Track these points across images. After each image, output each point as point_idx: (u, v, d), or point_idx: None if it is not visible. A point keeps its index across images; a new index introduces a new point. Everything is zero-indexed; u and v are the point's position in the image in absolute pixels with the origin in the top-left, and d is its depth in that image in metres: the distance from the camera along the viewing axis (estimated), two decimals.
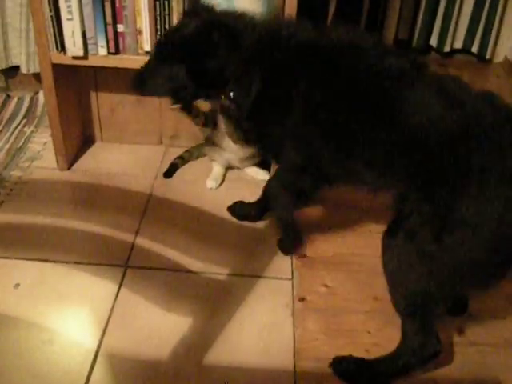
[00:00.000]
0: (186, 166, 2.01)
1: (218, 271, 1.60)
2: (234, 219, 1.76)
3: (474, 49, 2.99)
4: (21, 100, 2.37)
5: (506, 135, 1.14)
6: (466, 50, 3.02)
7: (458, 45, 3.00)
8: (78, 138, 2.09)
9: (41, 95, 2.37)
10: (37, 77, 2.37)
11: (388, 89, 1.24)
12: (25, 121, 2.24)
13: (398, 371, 1.32)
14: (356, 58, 1.29)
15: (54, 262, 1.60)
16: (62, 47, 1.70)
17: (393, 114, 1.23)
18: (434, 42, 2.99)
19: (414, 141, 1.20)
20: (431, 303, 1.27)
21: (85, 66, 1.83)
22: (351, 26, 1.38)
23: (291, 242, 1.69)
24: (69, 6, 1.62)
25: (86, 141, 2.14)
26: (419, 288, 1.24)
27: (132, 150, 2.09)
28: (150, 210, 1.81)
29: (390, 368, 1.33)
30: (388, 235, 1.28)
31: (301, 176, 1.47)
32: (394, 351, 1.32)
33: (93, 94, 2.05)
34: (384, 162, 1.27)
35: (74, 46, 1.68)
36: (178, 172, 1.98)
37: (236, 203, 1.81)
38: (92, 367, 1.32)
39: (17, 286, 1.52)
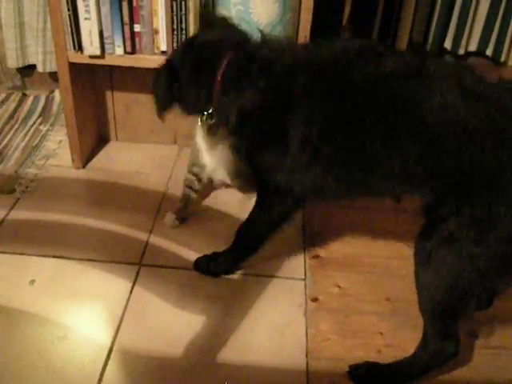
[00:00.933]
0: None
1: None
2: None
3: (489, 52, 2.98)
4: (37, 99, 2.39)
5: None
6: (480, 52, 3.01)
7: (473, 48, 2.99)
8: (93, 137, 2.11)
9: (56, 94, 2.39)
10: (53, 76, 2.40)
11: (400, 92, 1.19)
12: (40, 119, 2.26)
13: (417, 373, 1.32)
14: (355, 69, 1.22)
15: (69, 258, 1.61)
16: (79, 46, 1.71)
17: (413, 119, 1.17)
18: (448, 44, 2.98)
19: (442, 143, 1.16)
20: (462, 305, 1.26)
21: (101, 66, 1.85)
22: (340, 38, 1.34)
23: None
24: (86, 6, 1.64)
25: (101, 140, 2.16)
26: (456, 291, 1.21)
27: (146, 149, 2.11)
28: (163, 208, 1.81)
29: (409, 370, 1.32)
30: (422, 239, 1.23)
31: (285, 200, 1.42)
32: (412, 354, 1.32)
33: (108, 94, 2.07)
34: (408, 170, 1.21)
35: (91, 46, 1.70)
36: None
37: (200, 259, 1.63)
38: (106, 363, 1.33)
39: (32, 282, 1.54)
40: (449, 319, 1.27)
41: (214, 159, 1.60)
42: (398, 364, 1.33)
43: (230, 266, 1.60)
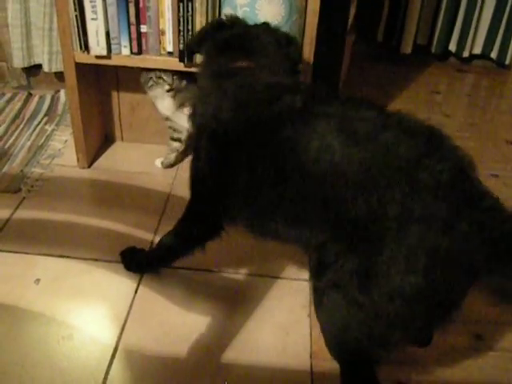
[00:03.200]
0: None
1: (236, 271, 1.61)
2: None
3: (493, 55, 2.99)
4: (42, 98, 2.40)
5: (422, 172, 1.00)
6: (485, 55, 3.02)
7: (478, 50, 3.00)
8: (99, 137, 2.12)
9: (62, 94, 2.40)
10: (58, 76, 2.41)
11: (281, 133, 1.13)
12: (46, 119, 2.27)
13: None
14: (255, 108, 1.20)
15: (74, 258, 1.62)
16: (85, 47, 1.72)
17: (292, 163, 1.11)
18: (453, 47, 2.99)
19: (320, 189, 1.08)
20: (366, 353, 1.18)
21: (107, 66, 1.85)
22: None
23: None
24: (93, 6, 1.64)
25: (107, 140, 2.16)
26: (348, 335, 1.14)
27: (152, 149, 2.11)
28: (168, 209, 1.82)
29: None
30: (314, 278, 1.18)
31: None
32: None
33: (114, 94, 2.07)
34: (292, 215, 1.16)
35: (97, 46, 1.71)
36: None
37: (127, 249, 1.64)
38: (111, 363, 1.34)
39: (37, 281, 1.54)
40: (359, 367, 1.21)
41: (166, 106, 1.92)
42: None
43: (145, 266, 1.60)
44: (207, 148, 1.29)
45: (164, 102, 1.90)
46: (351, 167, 1.04)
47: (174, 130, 1.97)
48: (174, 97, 1.89)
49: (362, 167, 1.03)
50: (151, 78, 1.86)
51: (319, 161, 1.07)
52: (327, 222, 1.10)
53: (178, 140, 1.99)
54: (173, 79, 1.85)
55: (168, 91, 1.86)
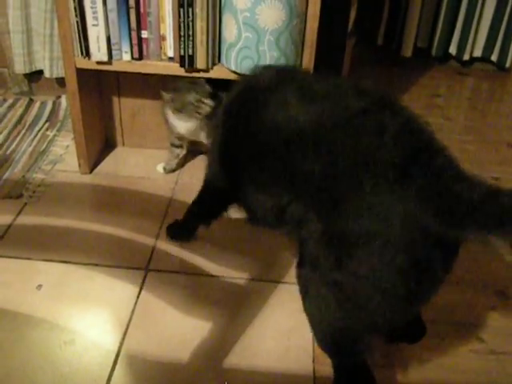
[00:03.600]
0: None
1: (238, 276, 1.61)
2: None
3: (494, 58, 2.99)
4: (44, 104, 2.40)
5: (385, 122, 1.00)
6: (485, 58, 3.02)
7: (478, 53, 3.01)
8: (100, 143, 2.12)
9: (63, 99, 2.41)
10: (59, 81, 2.41)
11: (252, 97, 1.22)
12: (47, 124, 2.27)
13: None
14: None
15: (76, 263, 1.62)
16: (86, 52, 1.72)
17: (255, 121, 1.17)
18: (453, 50, 3.00)
19: (277, 146, 1.10)
20: (352, 339, 1.15)
21: (108, 71, 1.86)
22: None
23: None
24: (94, 12, 1.65)
25: (108, 145, 2.17)
26: (334, 323, 1.11)
27: (153, 154, 2.12)
28: (170, 214, 1.82)
29: None
30: (298, 266, 1.16)
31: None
32: None
33: (115, 99, 2.08)
34: (264, 180, 1.17)
35: (98, 52, 1.71)
36: (198, 177, 1.99)
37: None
38: (113, 368, 1.34)
39: (39, 287, 1.54)
40: (347, 355, 1.20)
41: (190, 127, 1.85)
42: None
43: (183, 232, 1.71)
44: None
45: (188, 123, 1.83)
46: (304, 121, 1.06)
47: (179, 138, 1.96)
48: (210, 118, 1.78)
49: (313, 121, 1.04)
50: (190, 102, 1.76)
51: (277, 116, 1.10)
52: (289, 182, 1.10)
53: (180, 146, 1.98)
54: (212, 97, 1.75)
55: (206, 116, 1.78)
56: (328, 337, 1.19)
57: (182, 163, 2.05)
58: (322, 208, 1.03)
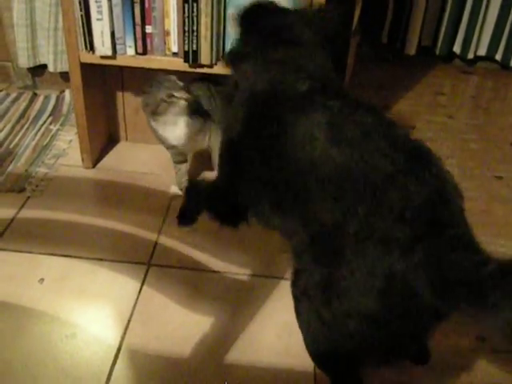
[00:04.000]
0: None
1: (240, 271, 1.61)
2: None
3: (498, 57, 2.98)
4: (47, 98, 2.40)
5: (408, 195, 0.94)
6: (489, 57, 3.02)
7: (482, 52, 3.00)
8: (103, 137, 2.12)
9: (67, 94, 2.41)
10: (63, 76, 2.41)
11: (279, 119, 1.12)
12: (51, 119, 2.27)
13: None
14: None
15: (78, 258, 1.62)
16: (90, 47, 1.72)
17: (280, 148, 1.10)
18: (457, 49, 2.99)
19: (296, 179, 1.07)
20: (339, 366, 1.16)
21: (112, 66, 1.86)
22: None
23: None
24: (99, 7, 1.65)
25: (111, 140, 2.17)
26: (322, 348, 1.14)
27: (156, 150, 2.11)
28: (172, 209, 1.82)
29: None
30: (292, 283, 1.16)
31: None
32: None
33: (119, 94, 2.08)
34: (276, 202, 1.16)
35: (102, 46, 1.71)
36: (200, 172, 2.00)
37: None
38: (114, 362, 1.34)
39: (41, 280, 1.55)
40: (340, 378, 1.19)
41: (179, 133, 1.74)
42: None
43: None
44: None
45: (176, 128, 1.72)
46: (327, 167, 1.01)
47: (179, 154, 1.86)
48: (193, 114, 1.71)
49: (337, 171, 1.00)
50: (161, 99, 1.66)
51: (301, 149, 1.05)
52: (300, 216, 1.08)
53: (184, 161, 1.88)
54: (186, 91, 1.66)
55: (188, 109, 1.69)
56: (317, 354, 1.19)
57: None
58: (324, 252, 1.03)
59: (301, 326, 1.17)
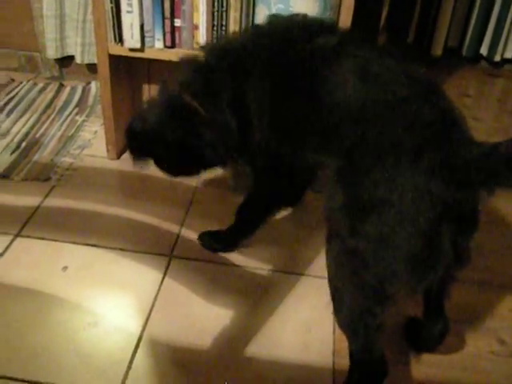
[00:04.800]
0: None
1: (261, 266, 1.62)
2: (279, 215, 1.74)
3: None
4: (73, 89, 2.42)
5: (419, 111, 1.07)
6: None
7: (509, 54, 2.97)
8: None
9: (93, 85, 2.43)
10: (90, 67, 2.43)
11: (309, 70, 1.23)
12: (77, 109, 2.29)
13: None
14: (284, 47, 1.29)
15: (101, 247, 1.64)
16: (119, 39, 1.74)
17: (311, 94, 1.21)
18: (484, 50, 2.96)
19: (330, 120, 1.17)
20: (368, 313, 1.14)
21: (139, 59, 1.87)
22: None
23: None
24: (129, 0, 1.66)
25: None
26: (353, 295, 1.13)
27: None
28: (195, 202, 1.83)
29: None
30: (326, 241, 1.20)
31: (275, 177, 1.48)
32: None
33: (145, 87, 2.09)
34: (315, 143, 1.25)
35: (131, 38, 1.72)
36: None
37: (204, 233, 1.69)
38: (135, 352, 1.35)
39: (65, 268, 1.57)
40: (364, 333, 1.18)
41: None
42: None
43: (229, 243, 1.66)
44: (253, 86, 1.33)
45: None
46: (358, 101, 1.14)
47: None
48: None
49: (361, 100, 1.13)
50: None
51: (335, 92, 1.17)
52: (332, 150, 1.18)
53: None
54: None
55: None
56: (348, 312, 1.18)
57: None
58: (346, 175, 1.12)
59: (333, 280, 1.20)
